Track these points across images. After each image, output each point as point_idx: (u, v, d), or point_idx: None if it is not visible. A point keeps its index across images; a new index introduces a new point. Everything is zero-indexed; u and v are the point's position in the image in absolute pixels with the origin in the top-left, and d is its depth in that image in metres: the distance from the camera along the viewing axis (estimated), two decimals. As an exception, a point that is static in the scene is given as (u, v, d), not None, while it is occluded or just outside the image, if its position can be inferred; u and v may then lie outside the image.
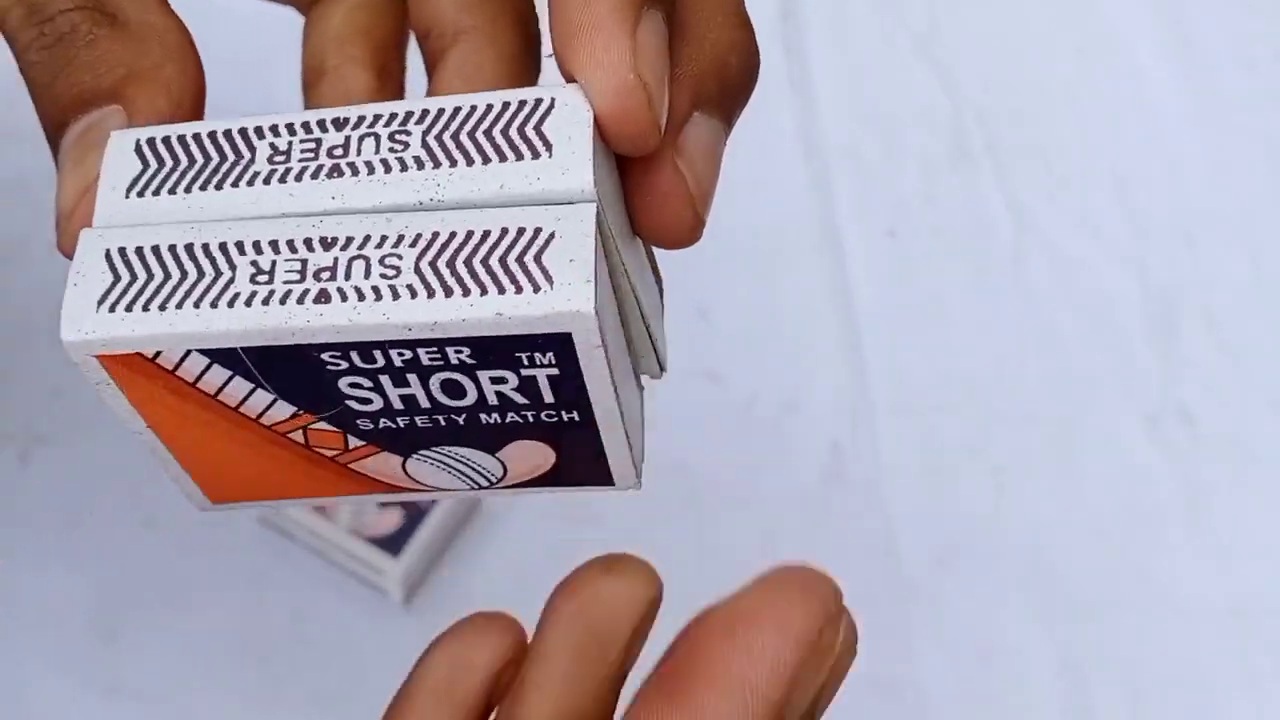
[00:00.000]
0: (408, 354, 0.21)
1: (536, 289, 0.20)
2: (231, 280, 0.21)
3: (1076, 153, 0.61)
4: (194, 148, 0.22)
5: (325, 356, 0.21)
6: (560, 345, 0.20)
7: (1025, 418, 0.54)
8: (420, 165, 0.21)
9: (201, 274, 0.21)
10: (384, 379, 0.21)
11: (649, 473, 0.52)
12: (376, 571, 0.46)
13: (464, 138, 0.21)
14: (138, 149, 0.22)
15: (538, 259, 0.20)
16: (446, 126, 0.21)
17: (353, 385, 0.22)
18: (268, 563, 0.48)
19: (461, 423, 0.23)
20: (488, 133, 0.21)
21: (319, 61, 0.29)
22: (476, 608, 0.48)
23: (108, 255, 0.21)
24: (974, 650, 0.49)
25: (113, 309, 0.21)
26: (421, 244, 0.20)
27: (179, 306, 0.21)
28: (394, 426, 0.23)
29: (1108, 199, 0.60)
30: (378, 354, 0.21)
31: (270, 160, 0.21)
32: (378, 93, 0.28)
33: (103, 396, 0.23)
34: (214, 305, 0.21)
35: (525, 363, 0.21)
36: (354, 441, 0.23)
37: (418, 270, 0.20)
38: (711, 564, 0.49)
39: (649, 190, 0.22)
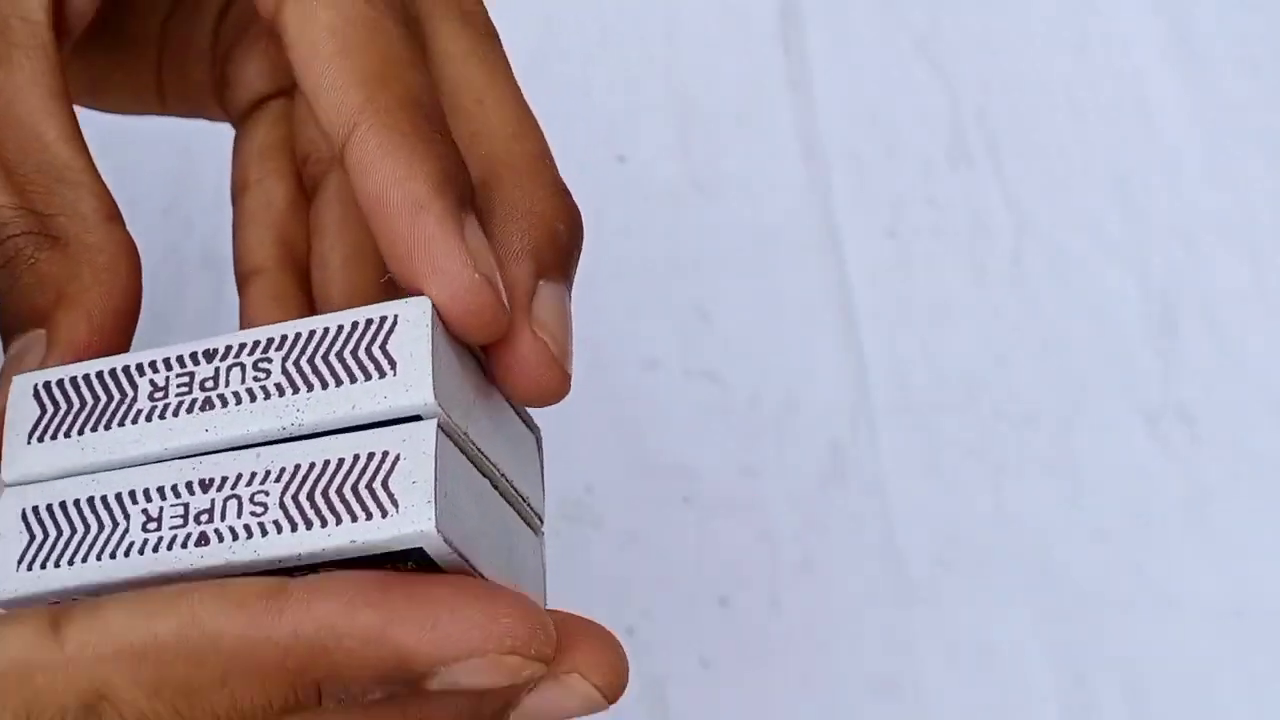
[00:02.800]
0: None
1: (384, 514, 0.22)
2: (126, 530, 0.23)
3: (1077, 153, 0.61)
4: (84, 389, 0.24)
5: None
6: (419, 553, 0.22)
7: (1025, 418, 0.54)
8: (281, 392, 0.23)
9: (101, 526, 0.23)
10: None
11: (648, 472, 0.52)
12: (377, 571, 0.46)
13: (318, 361, 0.23)
14: (35, 393, 0.25)
15: (384, 484, 0.22)
16: (303, 351, 0.23)
17: None
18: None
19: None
20: (340, 354, 0.23)
21: (244, 175, 0.31)
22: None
23: (23, 515, 0.24)
24: (974, 650, 0.49)
25: (30, 568, 0.24)
26: (285, 478, 0.23)
27: (84, 560, 0.23)
28: None
29: (1108, 199, 0.60)
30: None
31: (150, 397, 0.24)
32: (296, 202, 0.31)
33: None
34: (113, 556, 0.23)
35: (395, 560, 0.22)
36: None
37: (282, 505, 0.22)
38: (711, 564, 0.49)
39: (515, 362, 0.24)
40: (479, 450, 0.24)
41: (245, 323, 0.31)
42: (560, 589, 0.48)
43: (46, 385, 0.24)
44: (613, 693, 0.23)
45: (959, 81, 0.63)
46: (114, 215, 0.27)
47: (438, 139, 0.23)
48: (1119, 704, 0.48)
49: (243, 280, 0.32)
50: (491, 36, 0.27)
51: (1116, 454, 0.53)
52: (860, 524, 0.51)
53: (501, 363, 0.24)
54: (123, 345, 0.26)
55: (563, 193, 0.25)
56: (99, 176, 0.27)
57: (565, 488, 0.50)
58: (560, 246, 0.25)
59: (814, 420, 0.52)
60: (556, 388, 0.25)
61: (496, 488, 0.25)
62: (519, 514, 0.26)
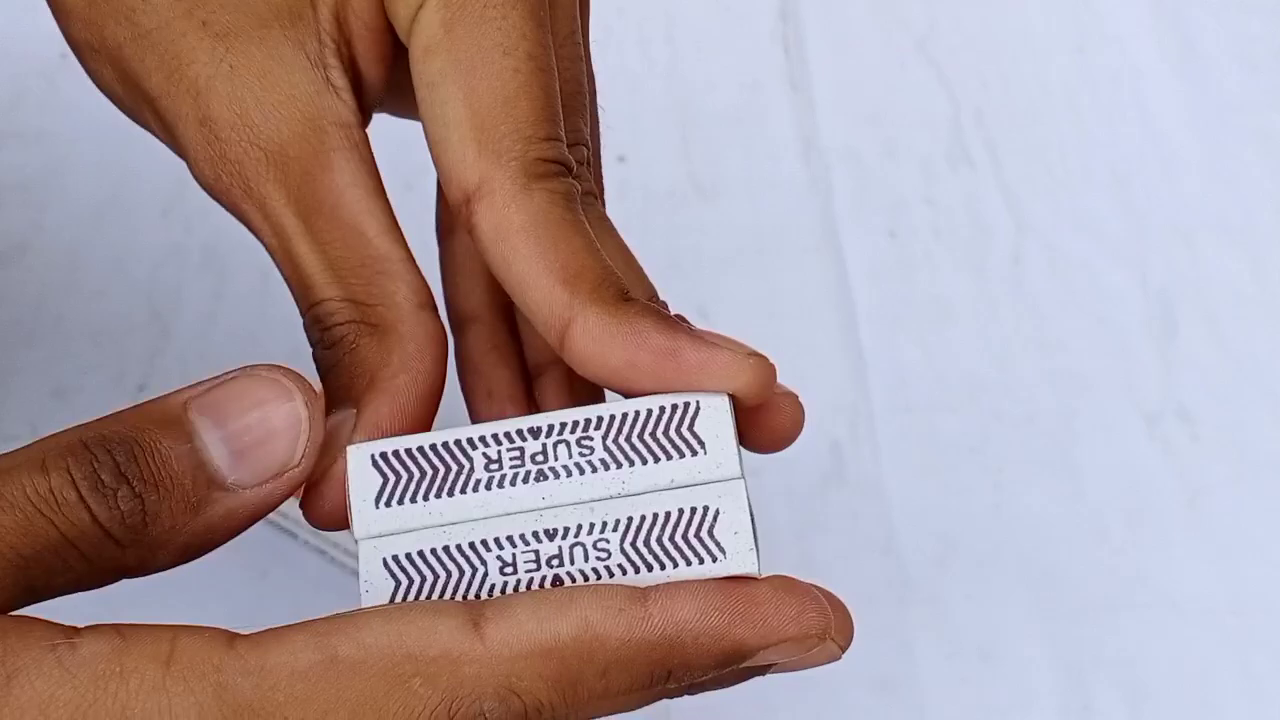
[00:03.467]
0: None
1: (714, 559, 0.27)
2: (485, 574, 0.27)
3: (1076, 153, 0.61)
4: (421, 460, 0.27)
5: None
6: None
7: (1025, 417, 0.54)
8: (606, 466, 0.27)
9: (461, 572, 0.27)
10: None
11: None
12: (377, 571, 0.46)
13: (635, 440, 0.27)
14: (374, 462, 0.27)
15: (710, 533, 0.27)
16: (620, 431, 0.28)
17: None
18: (269, 563, 0.48)
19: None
20: (654, 435, 0.28)
21: (450, 220, 0.34)
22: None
23: (384, 563, 0.27)
24: (974, 650, 0.49)
25: None
26: (621, 528, 0.27)
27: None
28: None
29: (1107, 199, 0.60)
30: None
31: (486, 468, 0.27)
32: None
33: None
34: (478, 596, 0.27)
35: None
36: None
37: (623, 551, 0.27)
38: (712, 564, 0.49)
39: (772, 420, 0.31)
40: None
41: (466, 366, 0.33)
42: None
43: (384, 455, 0.27)
44: (847, 648, 0.30)
45: (958, 82, 0.63)
46: (427, 303, 0.30)
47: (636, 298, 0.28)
48: (1118, 703, 0.48)
49: (459, 324, 0.34)
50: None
51: (1116, 454, 0.54)
52: (860, 524, 0.51)
53: (756, 422, 0.30)
54: (425, 424, 0.29)
55: None
56: (415, 267, 0.30)
57: (565, 488, 0.50)
58: None
59: (814, 420, 0.52)
60: (797, 435, 0.31)
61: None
62: None
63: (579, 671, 0.25)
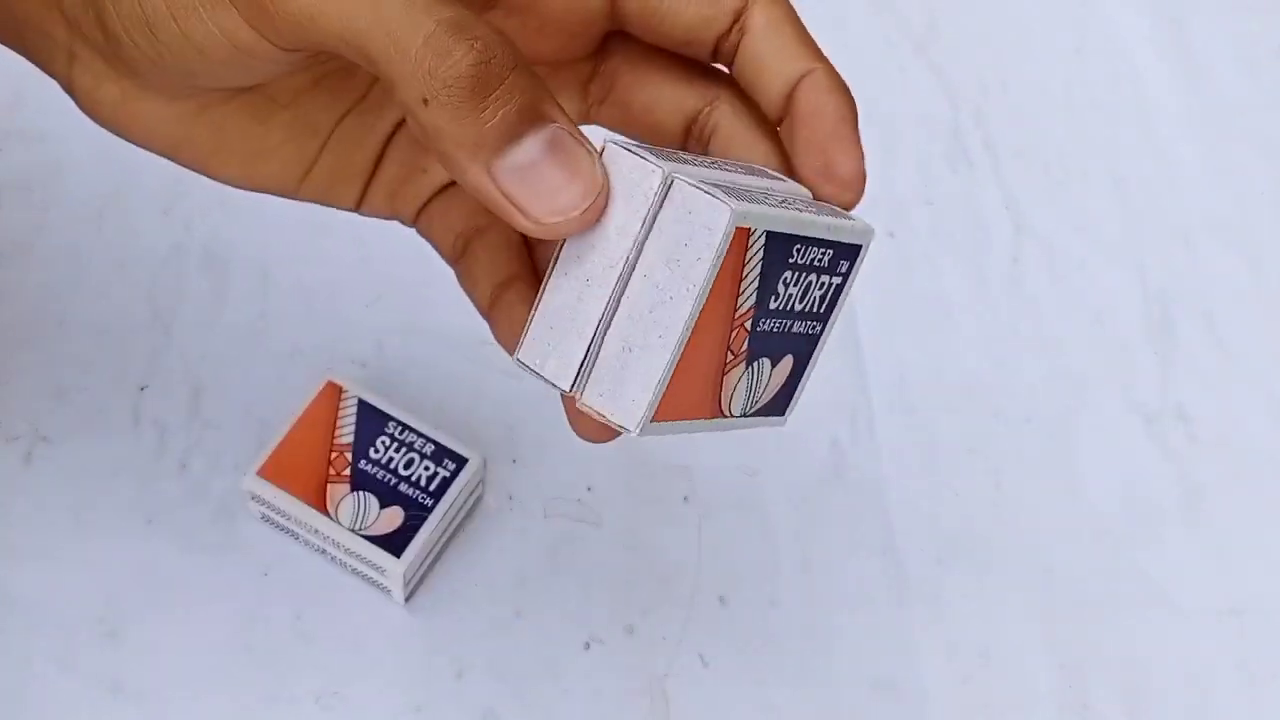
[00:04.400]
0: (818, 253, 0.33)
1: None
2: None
3: (1075, 154, 0.61)
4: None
5: (795, 248, 0.32)
6: (854, 256, 0.36)
7: (1024, 418, 0.54)
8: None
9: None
10: (801, 276, 0.33)
11: (648, 472, 0.52)
12: (378, 570, 0.46)
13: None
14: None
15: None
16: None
17: (783, 281, 0.32)
18: (269, 562, 0.48)
19: (788, 332, 0.33)
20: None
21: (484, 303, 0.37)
22: (477, 607, 0.48)
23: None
24: (973, 650, 0.49)
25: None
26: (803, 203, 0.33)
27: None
28: (766, 330, 0.32)
29: (1106, 200, 0.60)
30: (814, 250, 0.33)
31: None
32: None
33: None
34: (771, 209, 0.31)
35: (840, 269, 0.35)
36: (742, 346, 0.32)
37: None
38: (711, 564, 0.49)
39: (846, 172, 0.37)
40: None
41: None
42: (561, 588, 0.48)
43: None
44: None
45: (958, 82, 0.63)
46: None
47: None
48: (1117, 702, 0.48)
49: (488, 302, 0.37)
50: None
51: (1115, 454, 0.54)
52: (859, 523, 0.51)
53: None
54: None
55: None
56: None
57: (565, 488, 0.50)
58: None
59: (814, 420, 0.52)
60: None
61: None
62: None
63: None
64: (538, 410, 0.51)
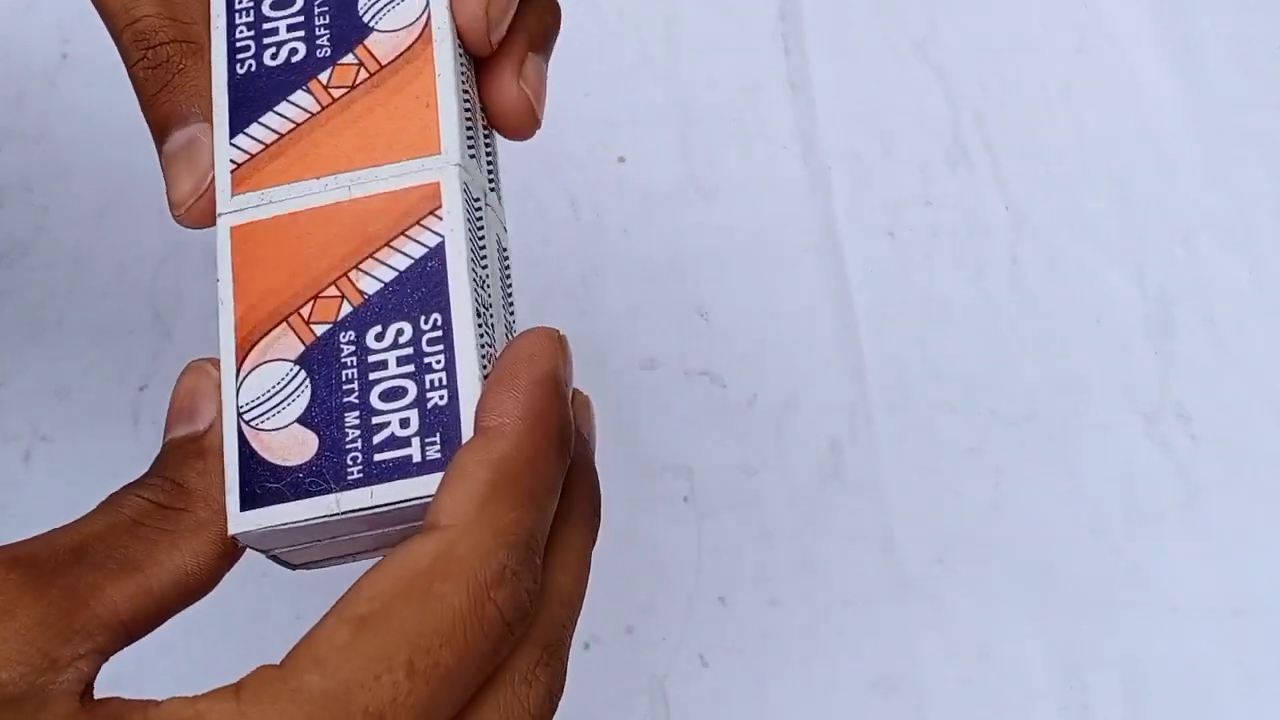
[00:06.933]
0: None
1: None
2: None
3: (1074, 154, 0.61)
4: None
5: None
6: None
7: (1023, 417, 0.54)
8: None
9: None
10: None
11: (649, 472, 0.52)
12: (378, 571, 0.46)
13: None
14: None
15: None
16: None
17: None
18: (268, 562, 0.48)
19: None
20: None
21: None
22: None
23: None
24: (973, 649, 0.49)
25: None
26: None
27: None
28: None
29: (1105, 200, 0.60)
30: None
31: None
32: None
33: None
34: None
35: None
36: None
37: None
38: (711, 564, 0.49)
39: (505, 102, 0.31)
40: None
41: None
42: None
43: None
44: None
45: (957, 83, 0.63)
46: None
47: None
48: (1117, 702, 0.48)
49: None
50: None
51: (1114, 453, 0.54)
52: (859, 523, 0.51)
53: (496, 103, 0.31)
54: None
55: None
56: None
57: (565, 487, 0.50)
58: (549, 30, 0.32)
59: (813, 420, 0.52)
60: (530, 126, 0.32)
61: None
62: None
63: (524, 494, 0.28)
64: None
